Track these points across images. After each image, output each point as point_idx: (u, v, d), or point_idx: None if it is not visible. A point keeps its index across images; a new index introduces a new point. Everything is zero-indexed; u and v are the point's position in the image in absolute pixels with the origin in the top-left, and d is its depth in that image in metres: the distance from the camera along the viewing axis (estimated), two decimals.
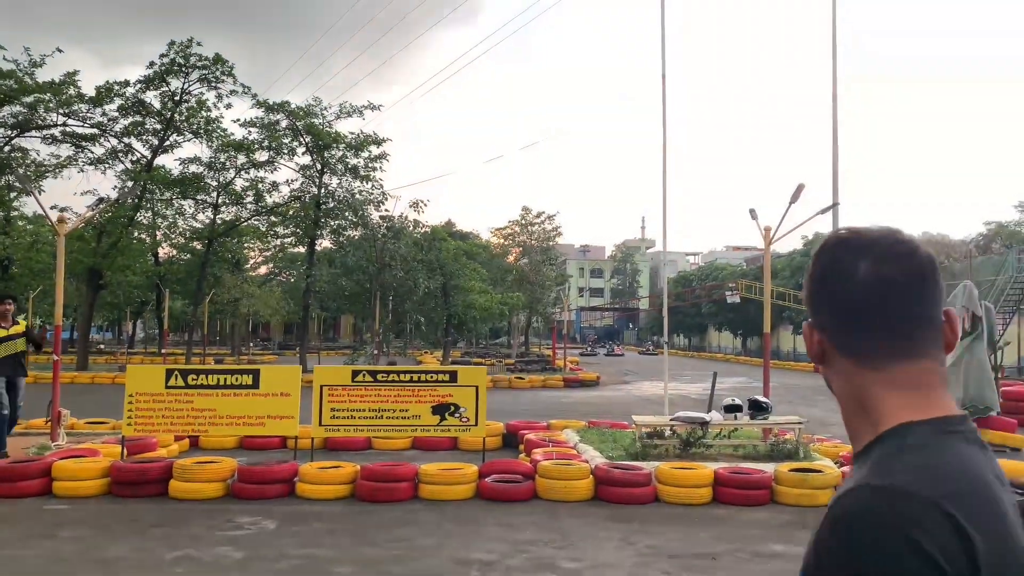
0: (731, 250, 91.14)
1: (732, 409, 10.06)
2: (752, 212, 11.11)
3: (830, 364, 1.00)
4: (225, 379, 9.43)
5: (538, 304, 47.05)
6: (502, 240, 54.08)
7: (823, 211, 10.67)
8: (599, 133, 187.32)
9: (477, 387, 9.44)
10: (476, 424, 9.45)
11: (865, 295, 0.94)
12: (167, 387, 9.37)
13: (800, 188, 10.17)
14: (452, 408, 9.39)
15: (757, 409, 10.05)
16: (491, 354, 43.28)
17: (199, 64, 26.81)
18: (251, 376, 9.40)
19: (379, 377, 9.47)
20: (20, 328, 9.76)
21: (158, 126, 28.06)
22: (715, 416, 10.01)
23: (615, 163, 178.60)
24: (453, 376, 9.52)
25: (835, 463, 9.41)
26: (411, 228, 28.63)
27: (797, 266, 43.13)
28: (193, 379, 9.43)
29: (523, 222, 52.22)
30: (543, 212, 51.63)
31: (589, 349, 59.72)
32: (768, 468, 8.87)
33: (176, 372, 9.51)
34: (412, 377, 9.50)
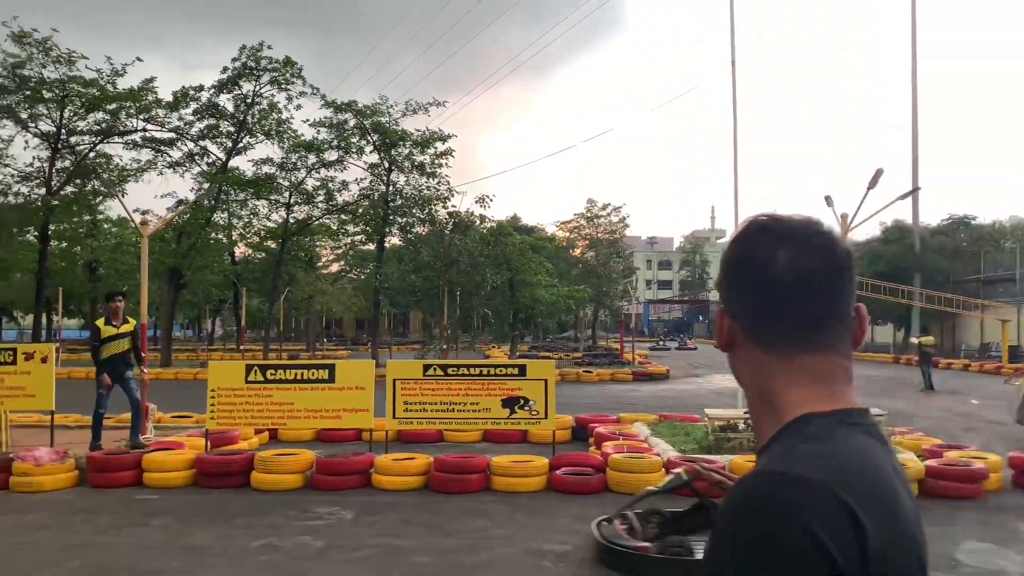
0: None
1: None
2: (828, 199, 10.79)
3: (739, 353, 0.98)
4: (302, 374, 9.69)
5: (605, 297, 46.78)
6: (567, 233, 53.94)
7: (903, 196, 10.27)
8: (665, 124, 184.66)
9: (546, 380, 9.46)
10: (546, 417, 9.46)
11: (781, 284, 0.92)
12: (247, 382, 9.66)
13: (879, 173, 9.81)
14: (522, 401, 9.42)
15: None
16: (558, 348, 43.28)
17: (269, 67, 27.57)
18: (327, 371, 9.63)
19: (449, 371, 9.58)
20: (130, 327, 9.88)
21: (232, 128, 28.98)
22: None
23: (682, 153, 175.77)
24: (522, 370, 9.56)
25: (917, 455, 9.07)
26: (477, 223, 28.82)
27: (876, 254, 41.63)
28: (272, 374, 9.72)
29: (588, 215, 51.98)
30: (608, 204, 51.30)
31: (660, 343, 58.65)
32: None
33: (255, 367, 9.81)
34: (482, 371, 9.57)
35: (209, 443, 9.99)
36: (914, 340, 25.69)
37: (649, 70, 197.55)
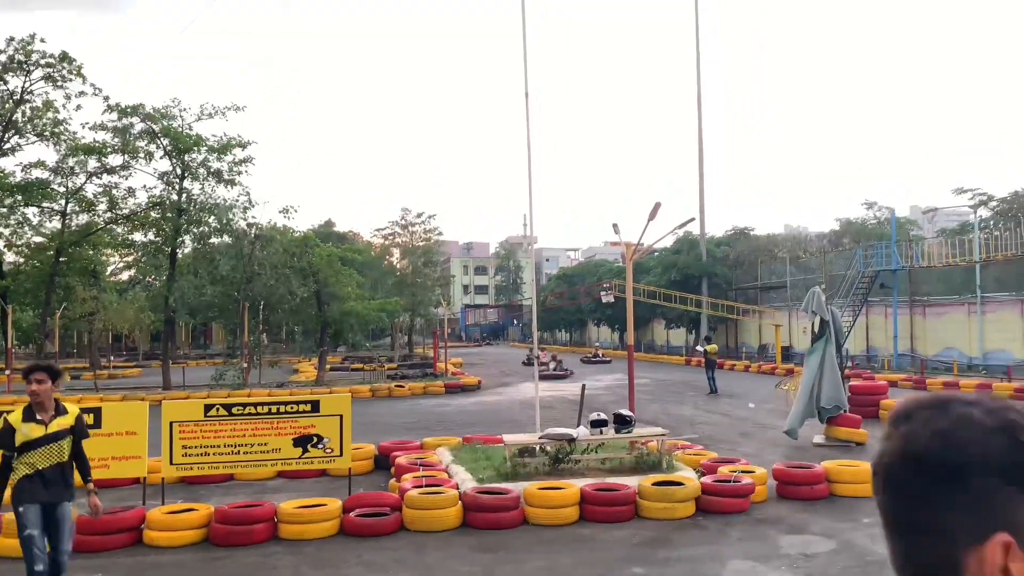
0: (610, 245, 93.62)
1: (598, 424, 10.22)
2: (615, 227, 11.35)
3: None
4: None
5: (420, 306, 46.73)
6: (383, 241, 53.36)
7: (681, 226, 11.08)
8: (483, 128, 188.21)
9: (341, 416, 9.12)
10: (341, 455, 9.12)
11: None
12: None
13: (657, 207, 10.47)
14: (315, 439, 9.02)
15: (621, 423, 10.26)
16: (373, 358, 42.52)
17: (42, 62, 24.73)
18: (92, 415, 8.67)
19: (235, 411, 8.97)
20: (68, 421, 5.61)
21: None
22: (582, 432, 10.13)
23: (498, 161, 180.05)
24: (315, 406, 9.15)
25: (696, 472, 9.72)
26: (281, 235, 27.53)
27: (668, 263, 44.77)
28: None
29: (403, 222, 51.73)
30: (423, 212, 51.38)
31: (535, 360, 53.78)
32: (633, 482, 9.05)
33: (4, 416, 8.65)
34: (271, 409, 9.06)
35: None
36: (700, 349, 27.88)
37: (456, 81, 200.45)
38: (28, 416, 5.46)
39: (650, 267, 45.93)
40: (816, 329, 13.39)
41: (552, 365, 32.51)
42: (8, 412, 5.62)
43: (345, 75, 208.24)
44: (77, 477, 5.70)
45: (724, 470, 9.57)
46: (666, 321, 47.23)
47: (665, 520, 8.47)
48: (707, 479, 9.18)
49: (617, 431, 10.36)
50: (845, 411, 13.42)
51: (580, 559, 7.31)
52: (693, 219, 11.54)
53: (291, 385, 26.64)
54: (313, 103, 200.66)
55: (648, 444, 10.75)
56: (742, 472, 9.48)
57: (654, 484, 8.88)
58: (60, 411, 5.59)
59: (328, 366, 31.19)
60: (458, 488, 8.96)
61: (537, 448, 10.20)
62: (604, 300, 41.62)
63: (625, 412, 10.46)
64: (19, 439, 5.39)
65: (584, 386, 12.71)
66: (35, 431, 5.41)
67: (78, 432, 5.65)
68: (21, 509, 5.35)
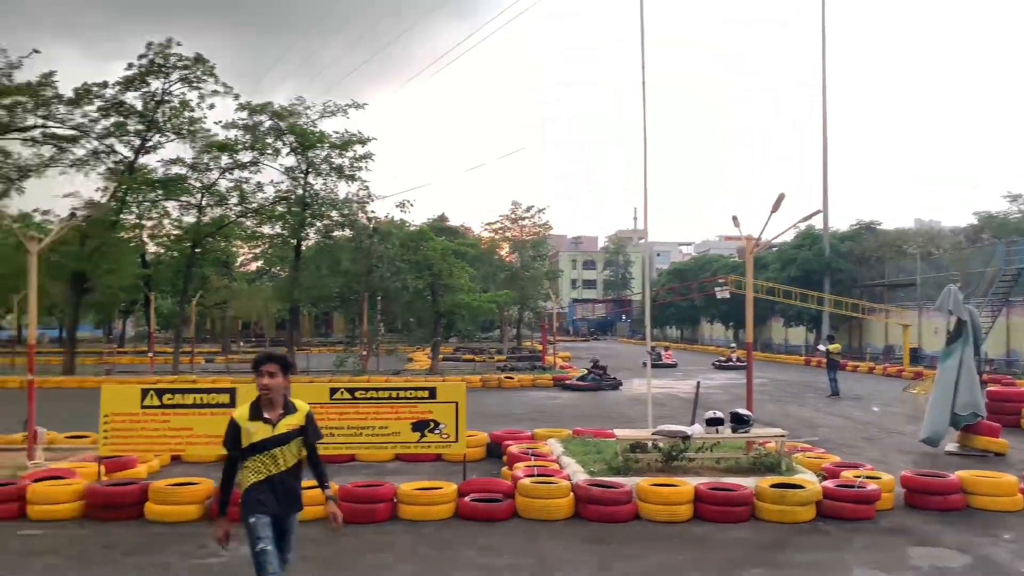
0: (724, 240, 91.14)
1: (714, 422, 10.00)
2: (735, 219, 11.05)
3: None
4: (201, 398, 9.32)
5: (529, 299, 47.14)
6: (493, 235, 54.10)
7: (805, 219, 10.65)
8: (593, 123, 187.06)
9: (457, 403, 9.36)
10: (456, 440, 9.36)
11: None
12: (143, 407, 9.26)
13: (781, 198, 10.11)
14: (432, 425, 9.30)
15: (739, 422, 10.00)
16: (483, 350, 43.26)
17: (179, 64, 26.59)
18: (228, 395, 9.29)
19: (357, 395, 9.37)
20: (298, 420, 4.82)
21: (140, 127, 27.84)
22: (697, 429, 9.94)
23: (610, 152, 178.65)
24: (432, 392, 9.43)
25: (817, 476, 9.35)
26: (398, 229, 28.48)
27: (788, 259, 43.08)
28: (169, 399, 9.32)
29: (513, 216, 52.27)
30: (532, 206, 51.72)
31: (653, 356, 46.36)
32: (749, 482, 8.81)
33: (152, 392, 9.40)
34: (391, 395, 9.40)
35: (104, 468, 9.57)
36: (822, 348, 26.73)
37: (575, 70, 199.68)
38: (255, 414, 4.69)
39: (768, 262, 44.42)
40: (952, 329, 12.57)
41: (590, 374, 25.06)
42: (235, 409, 5.08)
43: (456, 69, 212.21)
44: None
45: (847, 475, 9.17)
46: (784, 319, 45.51)
47: (784, 523, 8.21)
48: (829, 483, 8.82)
49: (733, 430, 10.10)
50: (983, 418, 12.56)
51: (697, 557, 7.19)
52: (819, 212, 11.11)
53: (406, 373, 27.49)
54: (427, 97, 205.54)
55: (766, 445, 10.43)
56: (867, 477, 9.05)
57: (772, 486, 8.61)
58: (289, 409, 4.78)
59: (440, 356, 32.00)
60: (569, 479, 9.01)
61: (649, 444, 10.09)
62: (719, 296, 40.58)
63: (743, 411, 10.18)
64: (244, 440, 4.66)
65: (699, 383, 12.46)
66: (262, 431, 4.65)
67: (310, 432, 4.85)
68: (252, 520, 4.66)
